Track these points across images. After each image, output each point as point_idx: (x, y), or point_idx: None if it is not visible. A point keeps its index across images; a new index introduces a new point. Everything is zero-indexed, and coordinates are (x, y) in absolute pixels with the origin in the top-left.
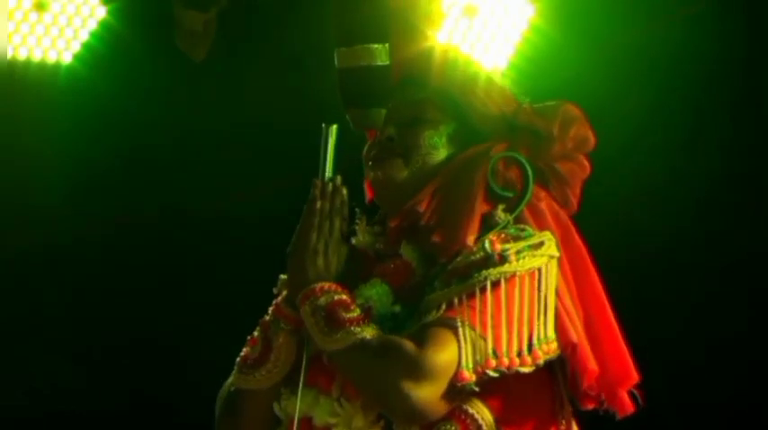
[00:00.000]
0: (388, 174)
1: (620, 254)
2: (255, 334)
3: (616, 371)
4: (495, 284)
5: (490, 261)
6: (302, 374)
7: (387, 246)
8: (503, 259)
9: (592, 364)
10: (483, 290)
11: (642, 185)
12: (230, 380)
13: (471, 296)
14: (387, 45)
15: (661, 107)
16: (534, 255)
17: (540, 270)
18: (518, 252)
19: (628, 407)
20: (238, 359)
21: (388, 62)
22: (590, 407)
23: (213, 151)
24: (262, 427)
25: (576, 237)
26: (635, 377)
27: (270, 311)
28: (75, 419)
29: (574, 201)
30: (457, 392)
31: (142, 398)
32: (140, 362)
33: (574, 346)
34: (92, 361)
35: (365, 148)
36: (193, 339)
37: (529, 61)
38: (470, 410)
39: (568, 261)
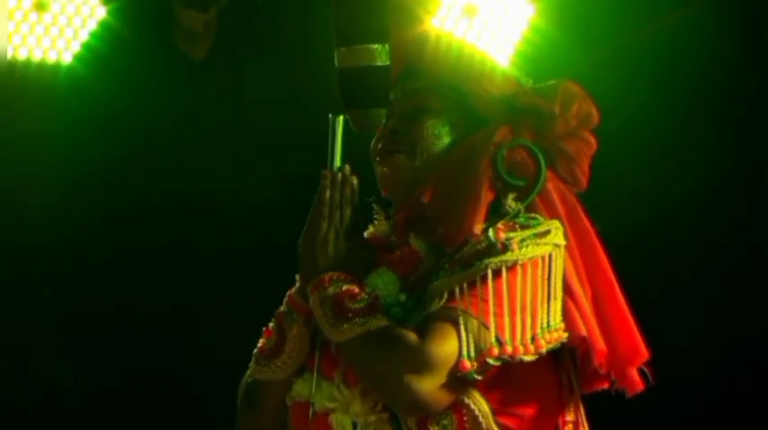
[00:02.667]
0: (394, 169)
1: (617, 251)
2: (271, 325)
3: (625, 350)
4: (497, 273)
5: (493, 249)
6: (316, 363)
7: (399, 237)
8: (505, 247)
9: (600, 345)
10: (484, 278)
11: (642, 183)
12: (249, 371)
13: (472, 284)
14: (387, 45)
15: (661, 106)
16: (538, 244)
17: (543, 258)
18: (522, 240)
19: (637, 385)
20: (255, 350)
21: (388, 62)
22: (601, 387)
23: (213, 150)
24: (280, 416)
25: (583, 216)
26: (644, 354)
27: (284, 302)
28: (75, 419)
29: (582, 179)
30: (461, 383)
31: (143, 397)
32: (141, 360)
33: (583, 339)
34: (92, 359)
35: (372, 142)
36: (195, 336)
37: (529, 61)
38: (467, 401)
39: (575, 240)
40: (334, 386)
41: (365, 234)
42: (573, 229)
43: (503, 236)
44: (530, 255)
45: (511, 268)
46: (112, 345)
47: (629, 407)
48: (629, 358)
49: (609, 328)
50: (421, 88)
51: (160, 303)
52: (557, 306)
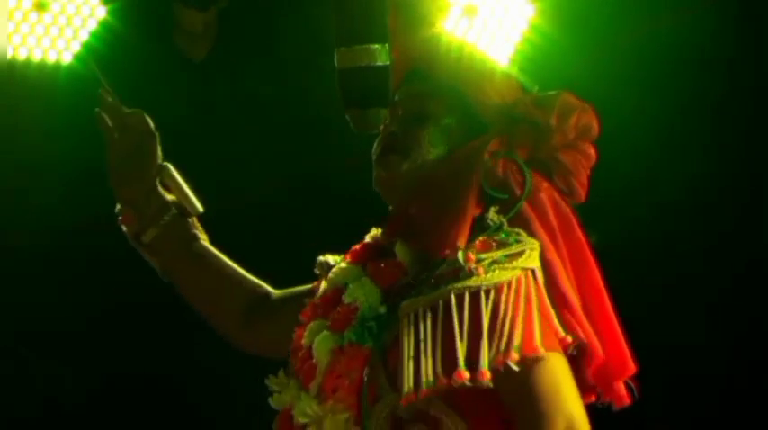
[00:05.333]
0: (389, 173)
1: (616, 253)
2: None
3: (615, 363)
4: (460, 298)
5: (461, 273)
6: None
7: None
8: (470, 272)
9: (599, 353)
10: (447, 303)
11: (641, 183)
12: None
13: (434, 310)
14: (386, 45)
15: (661, 107)
16: (505, 268)
17: (509, 284)
18: (491, 263)
19: (624, 398)
20: None
21: (387, 62)
22: (587, 400)
23: (213, 150)
24: None
25: (576, 226)
26: (632, 368)
27: None
28: (75, 419)
29: (581, 191)
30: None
31: (143, 397)
32: (141, 360)
33: (584, 345)
34: (92, 358)
35: (374, 144)
36: (196, 335)
37: (529, 61)
38: (445, 419)
39: (568, 251)
40: (309, 399)
41: (367, 237)
42: (565, 240)
43: (473, 257)
44: (494, 281)
45: (474, 294)
46: (113, 345)
47: (628, 406)
48: (618, 371)
49: (599, 341)
50: (424, 92)
51: (161, 303)
52: (520, 330)
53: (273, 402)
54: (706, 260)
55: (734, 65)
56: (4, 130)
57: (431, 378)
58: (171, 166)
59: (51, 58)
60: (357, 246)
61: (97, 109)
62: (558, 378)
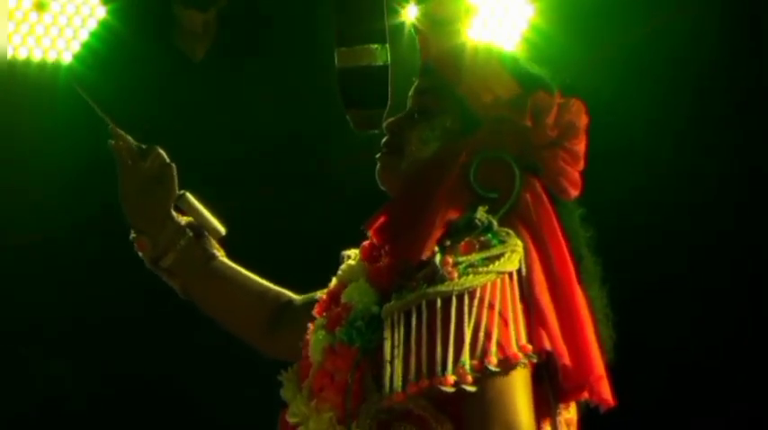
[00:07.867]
0: (384, 169)
1: (617, 253)
2: None
3: (582, 369)
4: (430, 304)
5: (435, 277)
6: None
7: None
8: (444, 277)
9: (566, 360)
10: (418, 308)
11: (643, 181)
12: None
13: (408, 314)
14: (387, 45)
15: (662, 106)
16: (479, 272)
17: (483, 288)
18: (467, 267)
19: (608, 401)
20: None
21: (388, 62)
22: (579, 398)
23: (213, 151)
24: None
25: (555, 224)
26: (599, 373)
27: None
28: (75, 419)
29: (570, 189)
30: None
31: (144, 397)
32: (142, 360)
33: (548, 354)
34: (92, 359)
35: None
36: (196, 336)
37: (528, 61)
38: (433, 424)
39: (554, 253)
40: (301, 399)
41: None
42: (547, 236)
43: (450, 261)
44: (467, 286)
45: (446, 299)
46: (113, 345)
47: (625, 399)
48: (585, 377)
49: (569, 343)
50: (426, 88)
51: (162, 303)
52: (496, 334)
53: (282, 394)
54: (708, 259)
55: (738, 62)
56: (4, 130)
57: (398, 383)
58: (189, 194)
59: (51, 58)
60: (366, 243)
61: (111, 141)
62: (505, 385)
